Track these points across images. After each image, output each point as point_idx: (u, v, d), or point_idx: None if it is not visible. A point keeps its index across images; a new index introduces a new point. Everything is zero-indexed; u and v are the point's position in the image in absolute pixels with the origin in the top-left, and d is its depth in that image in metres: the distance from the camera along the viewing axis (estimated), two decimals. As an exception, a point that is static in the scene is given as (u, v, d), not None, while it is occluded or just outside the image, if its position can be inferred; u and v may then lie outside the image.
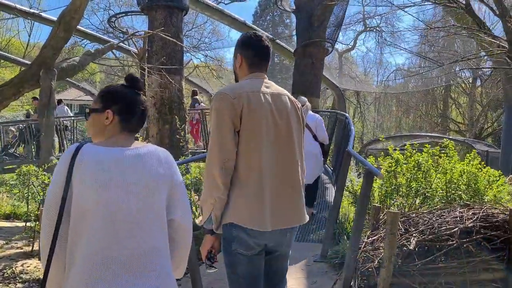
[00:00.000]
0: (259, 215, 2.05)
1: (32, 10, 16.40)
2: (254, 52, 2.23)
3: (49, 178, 5.14)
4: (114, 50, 15.47)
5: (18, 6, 15.42)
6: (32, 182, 4.96)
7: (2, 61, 23.82)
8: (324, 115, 11.81)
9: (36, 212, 4.86)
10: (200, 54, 32.69)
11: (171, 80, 8.42)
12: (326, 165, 9.30)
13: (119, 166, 1.51)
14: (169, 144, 9.81)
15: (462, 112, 28.58)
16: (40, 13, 16.19)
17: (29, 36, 31.25)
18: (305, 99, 6.36)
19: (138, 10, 13.82)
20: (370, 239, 3.70)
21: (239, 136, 2.06)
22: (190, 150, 11.32)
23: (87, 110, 1.73)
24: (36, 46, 26.32)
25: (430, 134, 22.14)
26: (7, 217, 8.19)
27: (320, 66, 12.69)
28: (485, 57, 28.67)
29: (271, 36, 17.82)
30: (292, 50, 18.33)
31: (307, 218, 2.30)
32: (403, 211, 4.60)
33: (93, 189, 1.47)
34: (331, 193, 7.57)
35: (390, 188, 5.75)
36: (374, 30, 35.25)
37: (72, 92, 32.99)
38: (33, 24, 30.47)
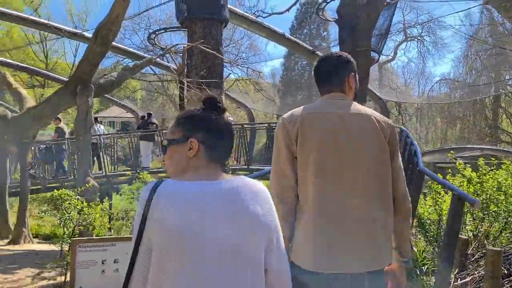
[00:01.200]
0: (315, 254, 1.82)
1: (76, 31, 16.58)
2: (316, 75, 2.12)
3: (82, 202, 4.72)
4: (154, 68, 15.32)
5: (64, 27, 15.59)
6: (65, 208, 4.54)
7: (49, 81, 24.40)
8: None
9: (68, 240, 4.42)
10: (238, 68, 32.43)
11: (209, 93, 7.93)
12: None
13: (207, 203, 1.29)
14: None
15: (513, 122, 26.78)
16: (83, 33, 16.31)
17: (75, 57, 32.12)
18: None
19: (177, 26, 13.63)
20: (460, 281, 2.96)
21: (298, 164, 1.89)
22: (230, 167, 10.80)
23: (164, 142, 1.47)
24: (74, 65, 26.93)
25: (482, 146, 20.66)
26: (47, 238, 7.93)
27: (365, 76, 11.91)
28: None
29: (310, 48, 17.21)
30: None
31: (388, 261, 1.93)
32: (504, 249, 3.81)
33: (177, 231, 1.26)
34: None
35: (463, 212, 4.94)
36: (416, 39, 34.07)
37: (114, 110, 33.55)
38: (79, 45, 31.37)
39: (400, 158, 2.03)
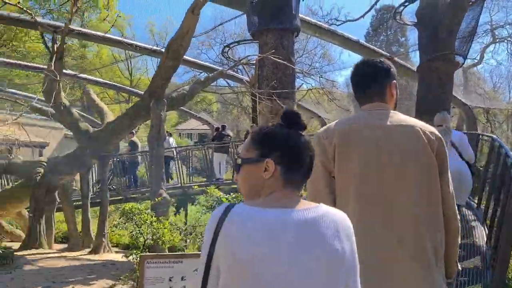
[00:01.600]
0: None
1: (156, 48, 17.37)
2: (353, 83, 1.97)
3: (152, 216, 4.70)
4: (228, 80, 15.52)
5: (145, 45, 16.39)
6: (136, 222, 4.55)
7: (133, 97, 25.82)
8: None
9: (139, 253, 4.41)
10: (311, 79, 32.09)
11: (282, 105, 7.74)
12: (470, 199, 7.70)
13: (283, 234, 1.16)
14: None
15: None
16: (162, 50, 16.99)
17: (156, 73, 33.81)
18: (446, 115, 5.66)
19: (250, 39, 13.70)
20: None
21: (336, 184, 1.75)
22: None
23: (238, 161, 1.36)
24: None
25: None
26: (127, 248, 8.17)
27: (449, 82, 11.01)
28: None
29: (388, 55, 16.41)
30: (411, 68, 16.67)
31: (441, 284, 1.74)
32: None
33: (248, 265, 1.14)
34: (480, 235, 6.04)
35: None
36: (505, 41, 31.33)
37: (192, 122, 34.76)
38: (159, 61, 33.05)
39: (449, 174, 1.85)
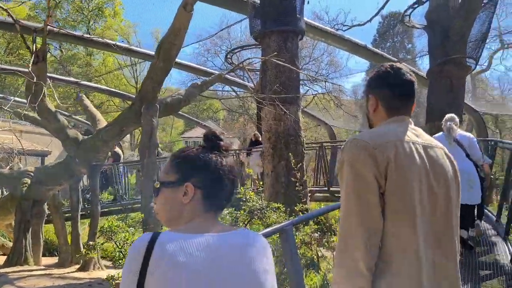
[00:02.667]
0: None
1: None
2: (394, 90, 1.68)
3: (133, 235, 4.15)
4: (235, 88, 14.98)
5: (150, 52, 16.03)
6: (116, 242, 4.00)
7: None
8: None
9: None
10: (318, 86, 31.59)
11: (285, 111, 7.18)
12: (486, 209, 7.05)
13: (211, 261, 1.12)
14: (286, 184, 8.49)
15: None
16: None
17: (162, 80, 33.53)
18: (454, 116, 5.75)
19: (254, 44, 13.19)
20: None
21: (384, 202, 1.49)
22: (309, 188, 9.86)
23: (156, 185, 1.27)
24: (167, 89, 27.92)
25: None
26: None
27: (461, 86, 10.40)
28: None
29: (395, 59, 15.80)
30: (419, 72, 16.04)
31: None
32: None
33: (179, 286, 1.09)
34: (503, 251, 5.38)
35: None
36: (514, 46, 30.57)
37: (198, 130, 34.30)
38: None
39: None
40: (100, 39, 12.28)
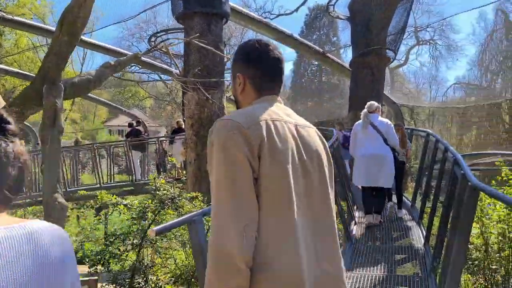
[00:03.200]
0: None
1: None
2: (262, 68, 1.52)
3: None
4: (161, 74, 14.23)
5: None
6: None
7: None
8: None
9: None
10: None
11: (207, 96, 6.83)
12: (405, 196, 7.27)
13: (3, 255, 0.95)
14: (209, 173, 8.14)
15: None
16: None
17: (82, 65, 31.49)
18: (368, 104, 6.04)
19: (180, 27, 12.59)
20: None
21: (258, 187, 1.32)
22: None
23: None
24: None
25: (503, 152, 19.10)
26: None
27: (381, 77, 10.74)
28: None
29: (321, 50, 16.05)
30: (343, 64, 16.46)
31: None
32: None
33: None
34: (417, 236, 5.53)
35: None
36: (428, 43, 32.74)
37: (122, 118, 32.70)
38: (86, 52, 30.76)
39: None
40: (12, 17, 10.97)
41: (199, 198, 5.12)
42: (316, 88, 37.52)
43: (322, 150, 1.54)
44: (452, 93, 30.55)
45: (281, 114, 1.47)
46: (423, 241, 5.23)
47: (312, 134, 1.54)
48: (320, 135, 1.59)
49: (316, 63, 38.09)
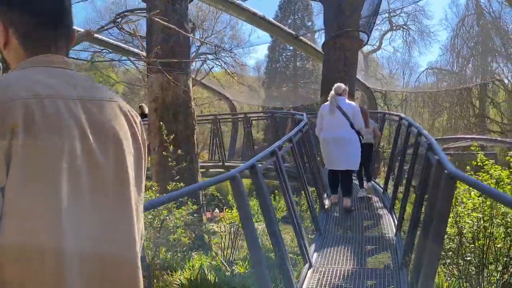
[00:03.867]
0: None
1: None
2: (27, 11, 1.03)
3: None
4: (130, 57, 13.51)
5: None
6: None
7: None
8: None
9: None
10: (217, 59, 30.71)
11: (169, 78, 6.35)
12: (374, 182, 7.03)
13: None
14: (175, 159, 7.69)
15: (501, 111, 25.59)
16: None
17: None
18: (336, 86, 5.97)
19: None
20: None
21: (5, 189, 0.89)
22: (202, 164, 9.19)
23: None
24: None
25: (473, 136, 19.30)
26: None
27: (354, 60, 10.42)
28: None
29: (294, 33, 15.63)
30: (317, 48, 16.10)
31: None
32: None
33: None
34: (388, 224, 5.27)
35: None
36: (401, 28, 32.69)
37: (92, 103, 31.61)
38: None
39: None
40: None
41: (155, 188, 4.70)
42: (290, 73, 37.15)
43: (125, 133, 1.10)
44: (425, 79, 30.70)
45: (56, 86, 1.00)
46: (394, 230, 4.97)
47: (110, 111, 1.08)
48: (129, 111, 1.13)
49: (291, 48, 37.69)
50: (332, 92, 5.87)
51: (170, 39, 7.54)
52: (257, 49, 69.62)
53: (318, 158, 6.99)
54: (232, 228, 6.30)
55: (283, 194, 4.15)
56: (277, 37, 16.96)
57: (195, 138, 7.78)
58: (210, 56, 31.79)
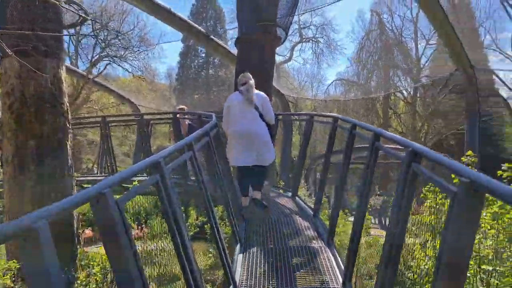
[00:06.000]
0: None
1: None
2: None
3: None
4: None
5: None
6: None
7: None
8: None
9: None
10: (127, 64, 28.10)
11: (33, 68, 4.32)
12: (299, 199, 5.62)
13: None
14: (39, 175, 5.57)
15: (402, 121, 26.47)
16: None
17: None
18: (248, 74, 5.57)
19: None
20: None
21: None
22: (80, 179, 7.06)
23: None
24: None
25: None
26: None
27: (271, 58, 9.07)
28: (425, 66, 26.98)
29: (205, 31, 13.97)
30: (230, 49, 14.66)
31: None
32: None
33: None
34: (314, 233, 3.81)
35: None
36: (310, 41, 32.81)
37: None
38: None
39: None
40: None
41: None
42: (203, 81, 35.47)
43: None
44: (334, 90, 31.01)
45: None
46: (326, 237, 3.67)
47: None
48: None
49: (203, 55, 36.06)
50: (251, 81, 5.39)
51: (32, 12, 5.45)
52: (167, 55, 66.46)
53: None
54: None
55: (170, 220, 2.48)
56: (189, 35, 15.17)
57: (68, 145, 5.69)
58: (126, 66, 28.98)
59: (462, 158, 3.45)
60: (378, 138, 3.04)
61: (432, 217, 3.62)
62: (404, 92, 26.59)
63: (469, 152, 3.46)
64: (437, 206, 3.61)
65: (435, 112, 22.99)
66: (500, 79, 19.69)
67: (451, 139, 21.58)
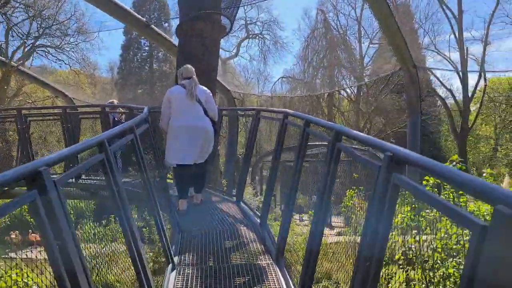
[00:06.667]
0: None
1: None
2: None
3: None
4: None
5: None
6: None
7: None
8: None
9: None
10: (64, 55, 26.08)
11: None
12: (244, 204, 5.01)
13: None
14: None
15: (345, 119, 26.79)
16: None
17: None
18: (191, 68, 5.23)
19: None
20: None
21: None
22: None
23: None
24: None
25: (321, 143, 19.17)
26: None
27: (215, 49, 8.35)
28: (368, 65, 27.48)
29: (146, 21, 12.95)
30: (170, 39, 13.76)
31: None
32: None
33: None
34: (259, 248, 3.21)
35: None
36: (257, 37, 32.39)
37: None
38: None
39: None
40: None
41: None
42: (146, 75, 33.88)
43: None
44: (280, 87, 30.81)
45: None
46: (275, 253, 3.05)
47: None
48: None
49: (147, 48, 34.49)
50: (195, 77, 5.12)
51: None
52: (109, 47, 62.89)
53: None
54: None
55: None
56: (128, 25, 14.06)
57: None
58: (63, 57, 26.82)
59: (446, 163, 3.10)
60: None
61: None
62: (348, 90, 26.93)
63: (454, 156, 3.10)
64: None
65: (377, 110, 23.41)
66: (438, 79, 20.35)
67: (392, 137, 22.07)
